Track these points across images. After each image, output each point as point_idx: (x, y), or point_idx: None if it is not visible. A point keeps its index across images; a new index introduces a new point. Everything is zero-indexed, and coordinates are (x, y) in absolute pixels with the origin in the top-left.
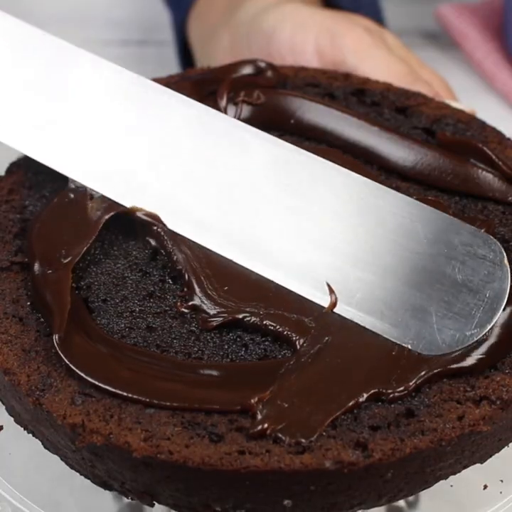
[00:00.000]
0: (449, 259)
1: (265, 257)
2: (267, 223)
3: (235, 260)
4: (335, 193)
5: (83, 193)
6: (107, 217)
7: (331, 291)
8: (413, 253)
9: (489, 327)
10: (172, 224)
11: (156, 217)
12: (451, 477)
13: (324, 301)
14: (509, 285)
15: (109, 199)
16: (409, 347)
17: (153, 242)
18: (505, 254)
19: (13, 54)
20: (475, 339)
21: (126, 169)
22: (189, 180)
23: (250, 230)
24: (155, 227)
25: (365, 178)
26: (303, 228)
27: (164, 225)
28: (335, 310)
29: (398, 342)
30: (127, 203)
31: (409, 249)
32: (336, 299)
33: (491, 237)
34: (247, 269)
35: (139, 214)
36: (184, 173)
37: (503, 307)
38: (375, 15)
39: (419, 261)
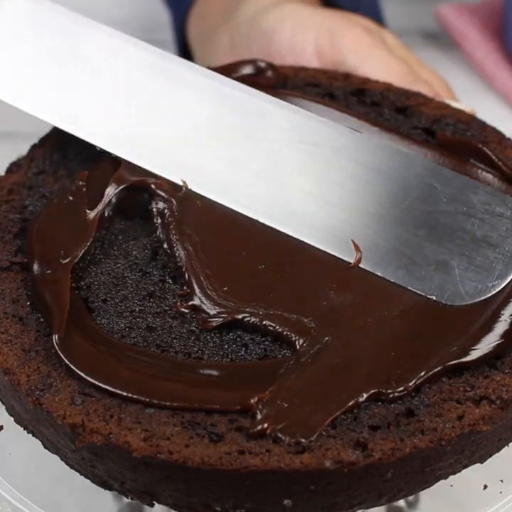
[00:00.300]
0: (469, 217)
1: (290, 217)
2: (289, 185)
3: (260, 221)
4: (354, 157)
5: (82, 194)
6: (120, 188)
7: (356, 247)
8: (433, 211)
9: (510, 279)
10: (197, 187)
11: (169, 191)
12: (451, 477)
13: (350, 258)
14: None
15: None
16: (434, 298)
17: (157, 232)
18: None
19: (36, 29)
20: (496, 290)
21: (149, 136)
22: (211, 146)
23: (274, 192)
24: (166, 211)
25: (383, 143)
26: (325, 190)
27: (175, 204)
28: (361, 265)
29: (423, 294)
30: (152, 169)
31: (430, 207)
32: (361, 254)
33: (508, 196)
34: (247, 269)
35: (154, 186)
36: (206, 139)
37: None
38: (375, 15)
39: (439, 218)
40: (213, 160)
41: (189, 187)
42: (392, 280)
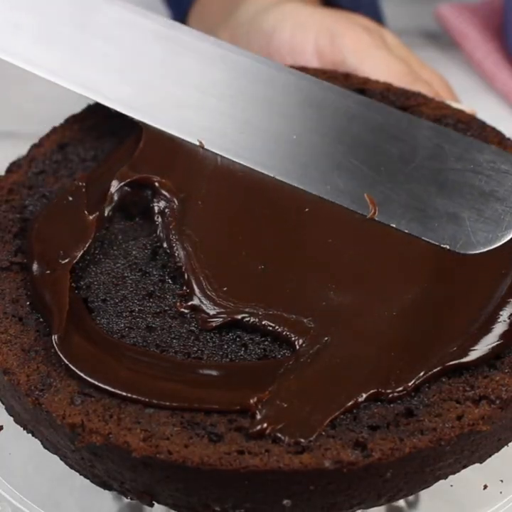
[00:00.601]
0: (476, 174)
1: (304, 174)
2: (301, 145)
3: (274, 177)
4: (363, 119)
5: (82, 194)
6: (124, 182)
7: (371, 201)
8: (442, 169)
9: None
10: (213, 147)
11: (172, 190)
12: (451, 477)
13: (365, 212)
14: None
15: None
16: (448, 247)
17: (158, 231)
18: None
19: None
20: (506, 239)
21: (162, 99)
22: (224, 109)
23: (287, 150)
24: (167, 210)
25: (388, 108)
26: (335, 150)
27: (176, 204)
28: (376, 218)
29: (436, 243)
30: (168, 129)
31: (438, 165)
32: (376, 208)
33: None
34: (246, 269)
35: (158, 184)
36: (218, 102)
37: None
38: (375, 15)
39: (448, 176)
40: (227, 122)
41: (205, 146)
42: (406, 231)
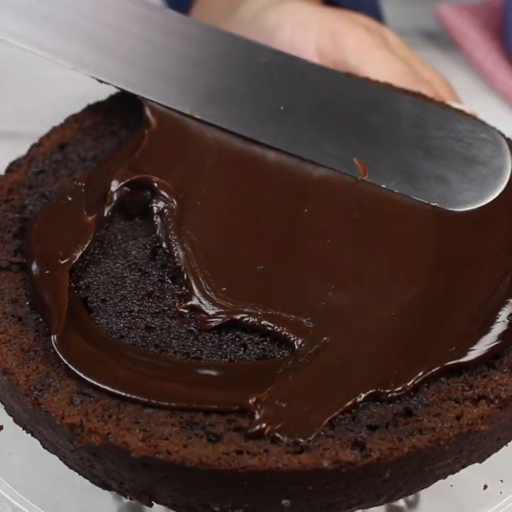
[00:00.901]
0: (457, 141)
1: (295, 140)
2: (290, 117)
3: (269, 144)
4: (344, 93)
5: (81, 194)
6: (124, 182)
7: (361, 164)
8: (425, 137)
9: (500, 190)
10: (203, 116)
11: (171, 191)
12: (451, 477)
13: (356, 174)
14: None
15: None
16: (437, 205)
17: (157, 231)
18: (503, 135)
19: None
20: (492, 198)
21: (150, 74)
22: (211, 84)
23: (277, 120)
24: (166, 211)
25: (370, 84)
26: (322, 121)
27: (175, 204)
28: (367, 180)
29: (426, 201)
30: (158, 100)
31: (421, 134)
32: (366, 169)
33: (490, 125)
34: (245, 269)
35: (157, 185)
36: (204, 78)
37: (509, 174)
38: (375, 14)
39: (431, 143)
40: (215, 94)
41: (195, 115)
42: (396, 191)
